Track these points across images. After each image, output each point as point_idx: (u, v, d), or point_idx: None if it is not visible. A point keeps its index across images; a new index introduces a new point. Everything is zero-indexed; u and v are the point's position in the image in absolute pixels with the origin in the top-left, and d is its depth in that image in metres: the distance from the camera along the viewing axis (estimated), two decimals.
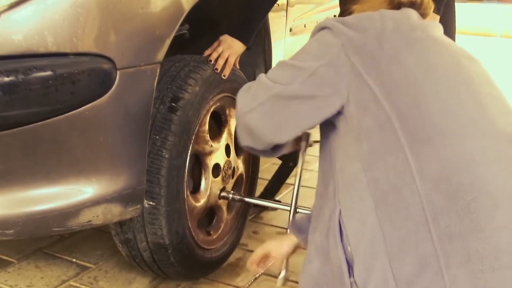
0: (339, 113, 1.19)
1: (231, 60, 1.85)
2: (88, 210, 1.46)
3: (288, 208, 1.89)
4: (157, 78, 1.55)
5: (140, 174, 1.56)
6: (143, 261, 1.80)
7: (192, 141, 1.72)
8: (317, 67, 1.18)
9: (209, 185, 1.86)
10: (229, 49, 1.84)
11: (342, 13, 1.41)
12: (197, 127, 1.74)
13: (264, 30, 2.21)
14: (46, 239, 2.17)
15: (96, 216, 1.48)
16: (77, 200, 1.44)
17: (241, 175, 2.09)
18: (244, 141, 1.34)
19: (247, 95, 1.29)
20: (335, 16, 2.77)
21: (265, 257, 1.47)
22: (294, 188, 1.60)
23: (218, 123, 1.96)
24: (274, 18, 2.28)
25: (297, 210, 1.61)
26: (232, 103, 1.96)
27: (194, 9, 1.65)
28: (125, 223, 1.70)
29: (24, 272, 1.97)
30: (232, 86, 1.91)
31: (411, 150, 1.09)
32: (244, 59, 2.00)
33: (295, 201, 1.60)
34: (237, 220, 2.11)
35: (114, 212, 1.52)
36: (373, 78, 1.14)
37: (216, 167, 1.89)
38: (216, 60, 1.82)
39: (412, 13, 1.26)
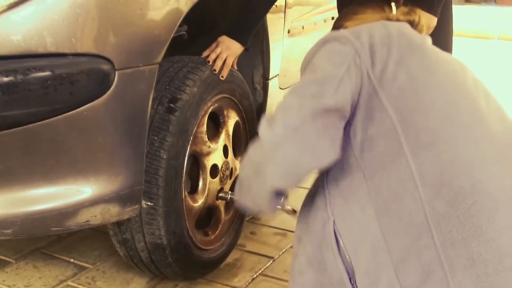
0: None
1: (229, 61, 1.85)
2: (86, 210, 1.46)
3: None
4: (155, 78, 1.55)
5: (138, 174, 1.57)
6: (141, 261, 1.80)
7: (190, 142, 1.73)
8: (343, 74, 1.11)
9: (207, 186, 1.87)
10: (227, 50, 1.84)
11: (335, 30, 1.41)
12: (195, 128, 1.75)
13: (262, 32, 2.22)
14: (44, 239, 2.18)
15: (94, 216, 1.49)
16: (75, 200, 1.44)
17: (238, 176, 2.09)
18: (277, 182, 1.15)
19: (272, 126, 1.11)
20: (333, 18, 2.78)
21: None
22: None
23: (216, 124, 1.96)
24: (272, 20, 2.28)
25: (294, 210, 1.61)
26: (230, 104, 1.97)
27: (193, 10, 1.66)
28: (123, 223, 1.70)
29: (22, 272, 1.97)
30: (230, 87, 1.92)
31: (412, 156, 1.08)
32: (242, 61, 2.01)
33: None
34: (235, 220, 2.12)
35: (112, 212, 1.52)
36: (381, 84, 1.14)
37: (214, 167, 1.89)
38: (214, 61, 1.82)
39: (408, 25, 1.28)
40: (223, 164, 1.94)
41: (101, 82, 1.39)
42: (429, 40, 1.29)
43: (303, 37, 2.67)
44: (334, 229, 1.14)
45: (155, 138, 1.62)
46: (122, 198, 1.53)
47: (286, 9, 2.43)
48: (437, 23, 1.91)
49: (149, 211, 1.65)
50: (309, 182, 1.32)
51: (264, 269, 2.05)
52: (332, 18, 2.80)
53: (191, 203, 1.81)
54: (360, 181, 1.12)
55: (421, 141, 1.10)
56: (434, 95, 1.14)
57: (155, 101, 1.64)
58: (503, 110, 1.22)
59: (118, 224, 1.71)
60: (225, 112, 1.96)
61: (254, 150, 1.18)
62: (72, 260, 2.06)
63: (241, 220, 2.15)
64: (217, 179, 1.92)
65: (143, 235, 1.71)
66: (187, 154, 1.72)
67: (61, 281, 1.92)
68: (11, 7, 1.28)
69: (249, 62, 2.27)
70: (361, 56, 1.14)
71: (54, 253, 2.10)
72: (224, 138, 1.95)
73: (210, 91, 1.79)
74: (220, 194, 1.95)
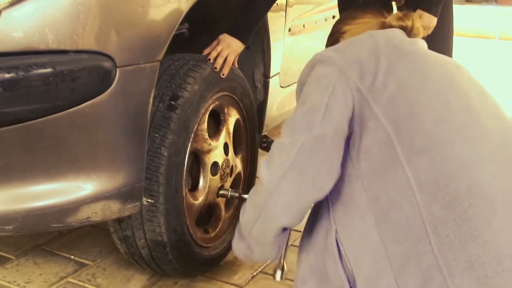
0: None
1: (230, 59, 1.86)
2: (87, 207, 1.47)
3: None
4: (156, 76, 1.56)
5: (139, 171, 1.57)
6: (141, 259, 1.80)
7: (191, 139, 1.73)
8: (328, 100, 1.15)
9: (208, 183, 1.87)
10: (228, 48, 1.84)
11: (334, 33, 1.42)
12: (196, 126, 1.75)
13: (263, 30, 2.22)
14: (44, 235, 2.18)
15: (95, 212, 1.49)
16: (76, 196, 1.44)
17: (239, 173, 2.10)
18: (281, 221, 1.19)
19: (270, 166, 1.16)
20: (334, 17, 2.78)
21: None
22: None
23: (217, 121, 1.97)
24: (273, 18, 2.29)
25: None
26: (231, 102, 1.97)
27: (194, 8, 1.66)
28: (123, 220, 1.71)
29: (22, 268, 1.97)
30: (230, 85, 1.92)
31: (408, 163, 1.09)
32: (243, 59, 2.01)
33: None
34: (235, 218, 2.12)
35: (113, 209, 1.53)
36: (372, 95, 1.15)
37: (215, 165, 1.90)
38: (215, 59, 1.82)
39: (399, 32, 1.29)
40: (223, 161, 1.94)
41: (103, 79, 1.40)
42: (421, 43, 1.29)
43: (304, 36, 2.67)
44: (336, 238, 1.15)
45: (156, 135, 1.63)
46: (123, 195, 1.53)
47: (287, 7, 2.44)
48: (438, 23, 1.92)
49: (150, 208, 1.66)
50: None
51: (264, 267, 2.05)
52: (333, 17, 2.81)
53: (192, 201, 1.82)
54: (360, 191, 1.13)
55: (416, 147, 1.10)
56: (426, 99, 1.15)
57: (156, 98, 1.64)
58: (501, 109, 1.22)
59: (119, 221, 1.72)
60: (225, 110, 1.96)
61: (255, 194, 1.21)
62: (72, 257, 2.06)
63: None
64: (217, 176, 1.92)
65: (144, 232, 1.71)
66: (187, 152, 1.72)
67: (62, 278, 1.92)
68: (12, 4, 1.28)
69: (250, 60, 2.27)
70: (346, 74, 1.16)
71: (55, 249, 2.10)
72: (224, 136, 1.95)
73: (211, 89, 1.80)
74: (221, 192, 1.95)
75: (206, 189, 1.87)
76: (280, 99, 2.54)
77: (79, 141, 1.42)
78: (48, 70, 1.30)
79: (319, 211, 1.21)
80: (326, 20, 2.86)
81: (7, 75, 1.26)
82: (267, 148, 1.98)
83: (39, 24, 1.30)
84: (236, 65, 1.94)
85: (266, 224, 1.20)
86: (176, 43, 1.65)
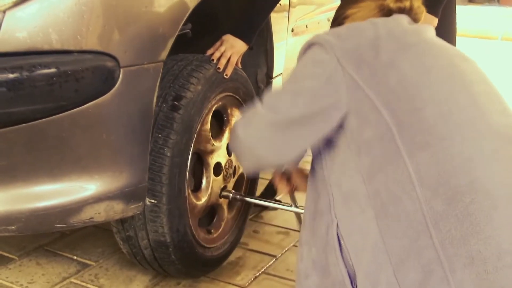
0: (339, 127, 1.18)
1: (233, 60, 1.86)
2: (90, 207, 1.47)
3: (289, 208, 1.90)
4: (160, 76, 1.56)
5: (142, 172, 1.57)
6: (144, 259, 1.80)
7: (194, 140, 1.73)
8: (318, 87, 1.17)
9: (210, 184, 1.87)
10: (232, 49, 1.84)
11: (337, 18, 1.41)
12: (199, 126, 1.75)
13: (266, 30, 2.22)
14: (47, 236, 2.18)
15: (98, 213, 1.49)
16: (79, 196, 1.44)
17: (242, 174, 2.09)
18: (247, 167, 1.35)
19: (246, 126, 1.26)
20: (328, 20, 2.78)
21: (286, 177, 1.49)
22: None
23: (220, 122, 1.97)
24: (276, 19, 2.29)
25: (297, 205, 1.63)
26: (234, 102, 1.97)
27: (197, 8, 1.66)
28: (126, 220, 1.71)
29: (25, 269, 1.97)
30: (234, 86, 1.92)
31: (409, 157, 1.09)
32: (246, 59, 2.01)
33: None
34: (238, 219, 2.12)
35: (116, 210, 1.53)
36: (371, 88, 1.14)
37: (218, 166, 1.90)
38: (219, 59, 1.82)
39: (403, 19, 1.26)
40: (226, 162, 1.94)
41: (106, 79, 1.40)
42: (428, 33, 1.25)
43: (306, 36, 2.66)
44: (337, 232, 1.15)
45: (159, 135, 1.63)
46: (126, 195, 1.53)
47: (290, 8, 2.44)
48: (441, 23, 1.91)
49: (153, 209, 1.66)
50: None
51: (266, 267, 2.05)
52: (328, 20, 2.81)
53: (195, 201, 1.82)
54: (360, 184, 1.13)
55: (417, 142, 1.10)
56: (428, 94, 1.14)
57: (159, 99, 1.64)
58: (507, 104, 1.21)
59: (122, 221, 1.72)
60: (228, 111, 1.96)
61: (235, 131, 1.27)
62: (75, 257, 2.06)
63: (244, 218, 2.15)
64: (220, 177, 1.92)
65: (147, 232, 1.71)
66: (191, 152, 1.72)
67: (64, 278, 1.92)
68: (16, 4, 1.28)
69: (253, 60, 2.27)
70: (343, 64, 1.16)
71: (58, 250, 2.10)
72: (227, 137, 1.95)
73: (214, 89, 1.79)
74: (223, 193, 1.95)
75: (209, 190, 1.87)
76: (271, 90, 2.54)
77: (83, 141, 1.42)
78: (52, 70, 1.30)
79: (320, 205, 1.21)
80: (328, 20, 2.86)
81: (11, 75, 1.26)
82: None
83: (43, 24, 1.30)
84: (240, 66, 1.94)
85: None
86: (179, 44, 1.65)
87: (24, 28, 1.28)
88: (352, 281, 1.13)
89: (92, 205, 1.47)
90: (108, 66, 1.40)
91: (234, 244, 2.11)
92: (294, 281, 1.92)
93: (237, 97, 1.97)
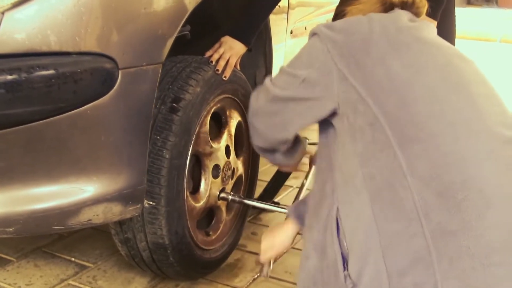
0: (335, 113, 1.22)
1: (232, 62, 1.85)
2: (88, 209, 1.47)
3: (287, 210, 1.90)
4: (158, 78, 1.55)
5: (140, 173, 1.57)
6: (142, 261, 1.80)
7: (192, 142, 1.73)
8: (307, 74, 1.24)
9: (209, 186, 1.87)
10: (230, 51, 1.84)
11: (336, 15, 1.42)
12: (197, 128, 1.75)
13: (265, 32, 2.22)
14: (45, 238, 2.18)
15: (97, 215, 1.49)
16: (77, 198, 1.44)
17: (240, 176, 2.09)
18: (256, 142, 1.43)
19: (254, 99, 1.38)
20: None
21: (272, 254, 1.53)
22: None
23: (219, 124, 1.96)
24: (275, 20, 2.29)
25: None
26: (233, 104, 1.97)
27: (196, 10, 1.66)
28: (124, 222, 1.71)
29: (23, 270, 1.97)
30: (232, 88, 1.92)
31: (400, 148, 1.11)
32: (245, 61, 2.01)
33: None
34: (236, 221, 2.12)
35: (115, 211, 1.52)
36: (358, 80, 1.17)
37: (216, 168, 1.89)
38: (217, 61, 1.82)
39: (402, 15, 1.26)
40: (225, 164, 1.94)
41: (105, 81, 1.39)
42: (426, 31, 1.26)
43: (305, 38, 2.66)
44: (336, 215, 1.17)
45: (158, 137, 1.63)
46: (124, 197, 1.53)
47: (289, 10, 2.44)
48: (440, 25, 1.91)
49: (151, 211, 1.66)
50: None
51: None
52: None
53: (193, 203, 1.81)
54: (356, 167, 1.15)
55: (408, 134, 1.12)
56: (420, 92, 1.15)
57: (158, 100, 1.64)
58: (505, 105, 1.21)
59: (120, 223, 1.72)
60: (227, 112, 1.96)
61: (250, 103, 1.40)
62: (73, 259, 2.06)
63: (242, 220, 2.15)
64: (219, 179, 1.92)
65: (145, 234, 1.71)
66: (189, 154, 1.72)
67: (62, 280, 1.92)
68: (15, 5, 1.28)
69: (252, 62, 2.27)
70: (333, 55, 1.21)
71: (56, 252, 2.10)
72: (226, 139, 1.95)
73: (213, 91, 1.79)
74: (222, 195, 1.95)
75: (208, 192, 1.87)
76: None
77: (81, 143, 1.42)
78: (51, 72, 1.30)
79: (324, 189, 1.24)
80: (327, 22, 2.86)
81: (9, 77, 1.26)
82: None
83: (41, 26, 1.29)
84: (238, 68, 1.94)
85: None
86: (178, 45, 1.65)
87: (22, 29, 1.28)
88: (345, 262, 1.15)
89: (90, 207, 1.47)
90: (107, 68, 1.39)
91: (233, 246, 2.11)
92: (292, 283, 1.92)
93: (236, 99, 1.97)
